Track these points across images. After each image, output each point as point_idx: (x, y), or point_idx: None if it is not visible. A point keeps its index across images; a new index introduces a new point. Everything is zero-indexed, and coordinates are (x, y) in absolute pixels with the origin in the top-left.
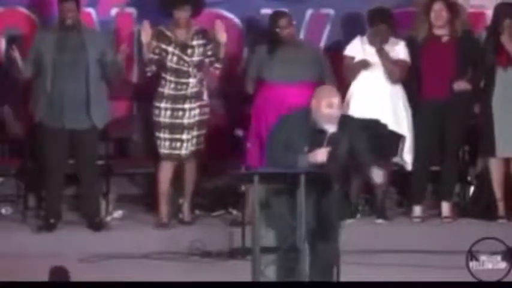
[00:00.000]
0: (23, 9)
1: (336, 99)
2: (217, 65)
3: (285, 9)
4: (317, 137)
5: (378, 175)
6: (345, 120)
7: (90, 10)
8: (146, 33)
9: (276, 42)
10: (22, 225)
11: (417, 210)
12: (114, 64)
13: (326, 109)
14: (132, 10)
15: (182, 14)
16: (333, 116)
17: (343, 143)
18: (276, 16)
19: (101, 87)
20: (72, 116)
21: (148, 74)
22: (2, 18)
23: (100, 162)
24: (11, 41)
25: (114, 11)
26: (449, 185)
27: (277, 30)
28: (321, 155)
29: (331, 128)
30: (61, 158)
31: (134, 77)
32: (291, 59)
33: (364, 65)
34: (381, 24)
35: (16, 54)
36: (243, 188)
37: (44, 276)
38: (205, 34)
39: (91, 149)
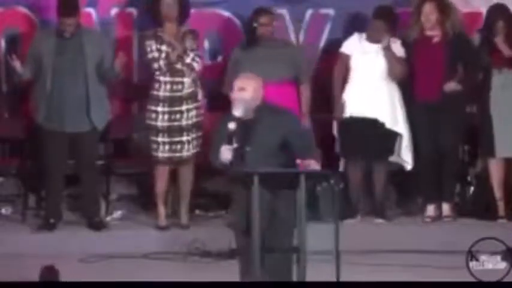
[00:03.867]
0: (22, 9)
1: (244, 84)
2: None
3: (268, 8)
4: (238, 129)
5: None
6: (271, 112)
7: (90, 10)
8: None
9: (252, 40)
10: (22, 225)
11: (430, 209)
12: (111, 70)
13: (234, 93)
14: (132, 10)
15: (169, 4)
16: (237, 98)
17: (266, 134)
18: (257, 12)
19: (100, 88)
20: (72, 119)
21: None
22: (1, 18)
23: (100, 162)
24: (11, 41)
25: (114, 11)
26: (450, 185)
27: (255, 25)
28: (223, 153)
29: (237, 112)
30: (61, 159)
31: (134, 77)
32: (266, 58)
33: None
34: (376, 20)
35: (16, 63)
36: None
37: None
38: (194, 33)
39: (91, 149)
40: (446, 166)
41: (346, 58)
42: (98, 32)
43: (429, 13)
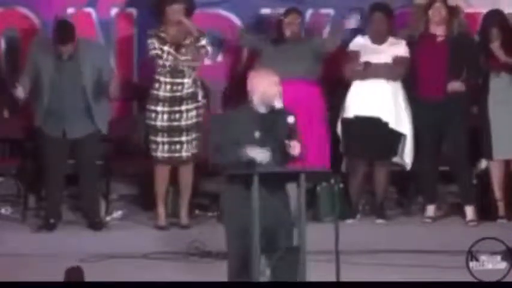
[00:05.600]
0: (22, 9)
1: (277, 79)
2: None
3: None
4: (263, 121)
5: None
6: (278, 110)
7: (90, 10)
8: None
9: (279, 37)
10: (22, 225)
11: (430, 209)
12: (106, 87)
13: (274, 88)
14: (132, 10)
15: (175, 10)
16: (277, 92)
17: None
18: (286, 11)
19: (100, 95)
20: (73, 126)
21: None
22: (1, 18)
23: (100, 162)
24: (11, 41)
25: (114, 11)
26: (467, 188)
27: (282, 18)
28: (259, 155)
29: (279, 105)
30: (61, 159)
31: (134, 77)
32: (289, 57)
33: (362, 75)
34: (374, 13)
35: (18, 91)
36: None
37: (43, 276)
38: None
39: (92, 150)
40: (458, 168)
41: (356, 55)
42: (96, 45)
43: (439, 7)
